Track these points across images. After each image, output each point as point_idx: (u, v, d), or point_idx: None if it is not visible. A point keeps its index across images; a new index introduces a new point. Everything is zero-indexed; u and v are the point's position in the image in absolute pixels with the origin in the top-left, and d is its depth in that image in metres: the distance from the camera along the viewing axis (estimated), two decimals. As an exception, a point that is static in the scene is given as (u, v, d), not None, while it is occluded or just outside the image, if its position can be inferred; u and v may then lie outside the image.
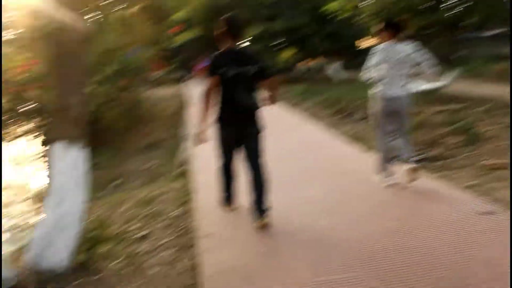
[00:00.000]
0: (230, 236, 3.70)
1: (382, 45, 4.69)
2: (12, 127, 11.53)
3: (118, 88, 11.57)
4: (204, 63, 22.94)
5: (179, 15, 23.38)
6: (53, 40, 3.26)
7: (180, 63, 23.39)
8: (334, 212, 4.09)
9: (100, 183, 8.65)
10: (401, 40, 4.67)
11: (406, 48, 4.62)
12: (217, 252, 3.36)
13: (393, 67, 4.62)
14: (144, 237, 4.00)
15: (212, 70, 3.83)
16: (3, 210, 9.25)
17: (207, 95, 3.90)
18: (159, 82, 17.67)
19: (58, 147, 3.19)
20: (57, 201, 3.09)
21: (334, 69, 20.41)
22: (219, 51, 3.89)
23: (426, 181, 4.95)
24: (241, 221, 4.04)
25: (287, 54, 25.49)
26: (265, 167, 4.03)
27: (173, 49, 24.43)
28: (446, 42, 13.10)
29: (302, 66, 25.32)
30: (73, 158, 3.17)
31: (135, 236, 4.06)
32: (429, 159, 6.36)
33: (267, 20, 20.50)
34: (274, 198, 4.15)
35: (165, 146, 10.45)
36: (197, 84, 21.98)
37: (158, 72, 15.99)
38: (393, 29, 4.62)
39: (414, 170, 4.70)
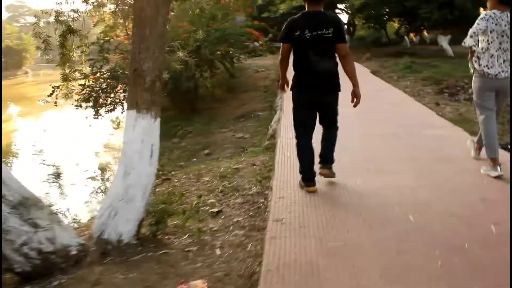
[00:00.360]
0: (301, 224, 3.37)
1: (488, 12, 4.15)
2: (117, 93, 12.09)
3: (218, 56, 11.48)
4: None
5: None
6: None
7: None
8: (425, 207, 3.61)
9: (191, 151, 8.83)
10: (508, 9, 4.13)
11: None
12: (284, 242, 3.07)
13: (497, 39, 4.14)
14: (217, 214, 3.86)
15: (285, 36, 3.83)
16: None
17: (283, 62, 3.98)
18: (259, 52, 17.49)
19: (130, 115, 3.08)
20: (125, 171, 3.00)
21: (447, 42, 18.87)
22: (296, 16, 3.85)
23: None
24: (314, 209, 3.67)
25: (395, 25, 24.12)
26: (337, 129, 4.14)
27: (275, 18, 24.12)
28: None
29: (411, 38, 23.82)
30: (144, 128, 3.04)
31: (208, 211, 3.94)
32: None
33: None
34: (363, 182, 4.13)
35: (259, 116, 10.33)
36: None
37: (259, 41, 15.78)
38: None
39: (494, 161, 4.20)
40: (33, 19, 6.20)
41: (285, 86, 4.20)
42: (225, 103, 12.72)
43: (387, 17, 21.86)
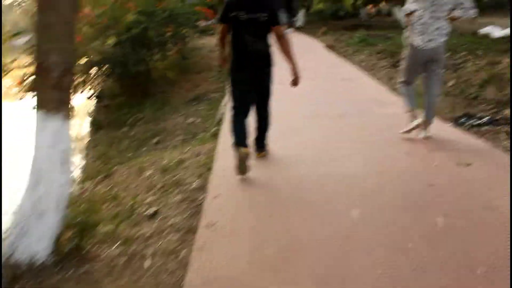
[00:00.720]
0: (234, 229, 3.05)
1: None
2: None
3: (166, 38, 10.97)
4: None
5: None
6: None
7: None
8: (371, 198, 3.43)
9: (141, 140, 8.42)
10: None
11: None
12: (213, 252, 2.78)
13: (427, 9, 4.41)
14: (153, 215, 3.55)
15: (222, 17, 4.05)
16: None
17: (221, 41, 4.23)
18: (212, 31, 17.01)
19: (38, 117, 2.71)
20: (34, 182, 2.64)
21: (403, 12, 18.81)
22: None
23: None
24: (251, 209, 3.41)
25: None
26: (270, 110, 4.33)
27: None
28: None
29: (369, 10, 23.70)
30: (54, 131, 2.68)
31: (144, 213, 3.63)
32: (497, 121, 5.46)
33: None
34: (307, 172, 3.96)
35: (212, 99, 9.97)
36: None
37: (211, 20, 15.26)
38: None
39: (427, 138, 4.64)
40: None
41: (224, 61, 4.36)
42: (178, 86, 12.25)
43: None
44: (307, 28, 19.65)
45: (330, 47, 12.91)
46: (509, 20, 14.87)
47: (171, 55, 13.53)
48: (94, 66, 11.08)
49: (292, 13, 20.47)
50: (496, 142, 4.67)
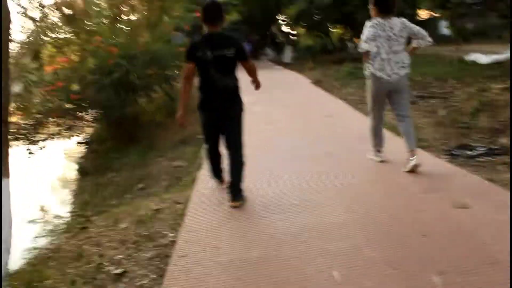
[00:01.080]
0: None
1: (373, 20, 4.54)
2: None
3: (147, 80, 10.79)
4: (249, 48, 22.07)
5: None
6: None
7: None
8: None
9: (125, 186, 8.10)
10: (391, 17, 4.52)
11: (396, 24, 4.47)
12: None
13: (385, 43, 4.46)
14: (120, 275, 3.19)
15: (188, 56, 3.99)
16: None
17: (185, 82, 4.08)
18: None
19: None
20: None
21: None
22: (198, 38, 4.03)
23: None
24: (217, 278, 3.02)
25: (337, 32, 24.08)
26: (243, 151, 4.18)
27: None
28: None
29: (356, 42, 23.82)
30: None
31: (112, 271, 3.28)
32: (493, 152, 5.18)
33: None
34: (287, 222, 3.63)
35: (198, 140, 9.71)
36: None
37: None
38: (382, 6, 4.50)
39: (416, 166, 4.47)
40: None
41: (183, 120, 4.25)
42: (165, 128, 12.01)
43: (328, 24, 21.73)
44: (295, 64, 19.71)
45: (317, 82, 12.79)
46: (492, 48, 14.89)
47: (158, 97, 13.39)
48: (80, 111, 10.86)
49: (278, 50, 20.53)
50: (494, 175, 4.36)
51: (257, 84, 4.36)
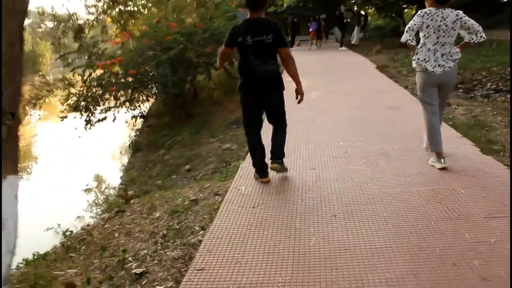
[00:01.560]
0: None
1: (424, 9, 4.36)
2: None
3: (204, 58, 10.56)
4: (312, 26, 21.36)
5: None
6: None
7: (288, 28, 21.91)
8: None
9: (173, 166, 8.00)
10: (446, 7, 4.29)
11: (450, 15, 4.26)
12: None
13: (433, 34, 4.31)
14: (139, 277, 2.98)
15: (228, 41, 4.12)
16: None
17: (220, 63, 4.57)
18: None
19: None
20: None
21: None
22: (239, 23, 4.09)
23: None
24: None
25: (411, 12, 22.81)
26: (285, 126, 4.41)
27: (281, 12, 23.05)
28: None
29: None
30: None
31: (131, 271, 3.07)
32: None
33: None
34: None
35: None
36: (308, 52, 20.54)
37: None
38: None
39: (439, 154, 4.37)
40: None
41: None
42: (222, 106, 11.83)
43: (401, 3, 20.54)
44: (362, 46, 18.85)
45: (383, 67, 12.06)
46: None
47: (217, 75, 13.20)
48: (139, 86, 10.85)
49: (344, 31, 19.71)
50: None
51: (299, 92, 4.26)
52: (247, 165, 4.92)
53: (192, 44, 9.53)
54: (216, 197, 4.34)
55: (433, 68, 4.33)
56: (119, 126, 12.29)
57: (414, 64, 4.55)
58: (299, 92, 4.23)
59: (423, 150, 4.92)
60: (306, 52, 19.19)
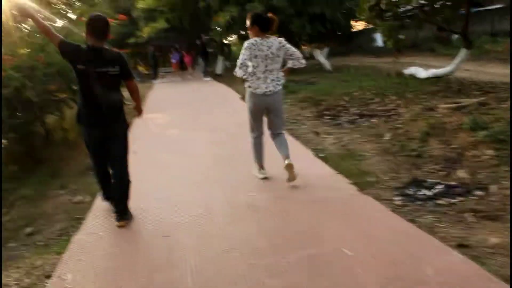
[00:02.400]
0: None
1: (249, 41, 4.53)
2: None
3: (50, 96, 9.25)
4: (175, 57, 20.74)
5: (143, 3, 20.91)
6: None
7: (149, 60, 21.05)
8: None
9: (11, 230, 6.59)
10: (269, 36, 4.56)
11: (275, 42, 4.51)
12: None
13: (261, 63, 4.51)
14: None
15: (64, 48, 3.75)
16: None
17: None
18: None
19: None
20: None
21: (324, 55, 18.22)
22: (82, 46, 3.80)
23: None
24: None
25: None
26: (128, 170, 4.06)
27: (141, 44, 22.13)
28: (448, 18, 10.95)
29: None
30: None
31: None
32: (453, 190, 4.28)
33: (241, 3, 17.32)
34: None
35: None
36: (171, 84, 19.74)
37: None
38: (261, 25, 4.51)
39: (290, 166, 4.57)
40: None
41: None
42: (78, 150, 10.50)
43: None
44: (227, 76, 18.61)
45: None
46: (426, 60, 14.59)
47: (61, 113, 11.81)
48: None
49: (207, 61, 19.39)
50: (472, 237, 3.34)
51: (138, 110, 4.28)
52: (84, 237, 3.92)
53: (31, 82, 8.18)
54: (46, 281, 3.30)
55: (262, 92, 4.56)
56: None
57: (246, 88, 4.75)
58: (138, 108, 4.29)
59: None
60: (169, 84, 18.48)
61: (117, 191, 4.06)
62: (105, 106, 3.81)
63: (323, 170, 5.06)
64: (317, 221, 3.69)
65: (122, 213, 4.03)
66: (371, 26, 16.96)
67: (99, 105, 3.79)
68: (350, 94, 10.24)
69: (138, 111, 4.29)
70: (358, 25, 23.69)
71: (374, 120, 7.55)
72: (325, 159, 5.43)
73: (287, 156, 4.64)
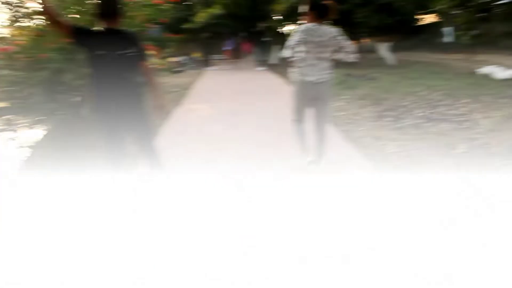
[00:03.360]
0: None
1: (304, 26, 4.33)
2: None
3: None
4: (229, 45, 20.11)
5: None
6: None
7: (203, 46, 20.53)
8: None
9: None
10: (324, 23, 4.32)
11: (329, 31, 4.30)
12: None
13: (313, 49, 4.31)
14: None
15: (78, 32, 3.46)
16: None
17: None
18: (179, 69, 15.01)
19: None
20: None
21: (386, 50, 17.02)
22: (96, 29, 3.55)
23: None
24: None
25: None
26: (157, 151, 3.88)
27: (195, 29, 21.63)
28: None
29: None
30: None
31: None
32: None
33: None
34: None
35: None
36: (222, 72, 19.16)
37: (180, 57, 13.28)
38: (318, 12, 4.28)
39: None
40: None
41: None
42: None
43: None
44: (281, 66, 17.80)
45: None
46: (504, 60, 13.12)
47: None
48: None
49: (265, 50, 18.64)
50: None
51: (157, 103, 3.80)
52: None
53: (71, 64, 7.70)
54: None
55: (310, 80, 4.36)
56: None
57: (292, 75, 4.57)
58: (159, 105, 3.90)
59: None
60: (221, 73, 17.94)
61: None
62: (125, 89, 3.60)
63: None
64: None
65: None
66: (440, 19, 15.58)
67: (120, 88, 3.57)
68: (415, 94, 9.19)
69: (158, 105, 3.81)
70: (426, 18, 22.08)
71: (443, 125, 6.52)
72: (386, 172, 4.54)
73: (319, 159, 4.67)
